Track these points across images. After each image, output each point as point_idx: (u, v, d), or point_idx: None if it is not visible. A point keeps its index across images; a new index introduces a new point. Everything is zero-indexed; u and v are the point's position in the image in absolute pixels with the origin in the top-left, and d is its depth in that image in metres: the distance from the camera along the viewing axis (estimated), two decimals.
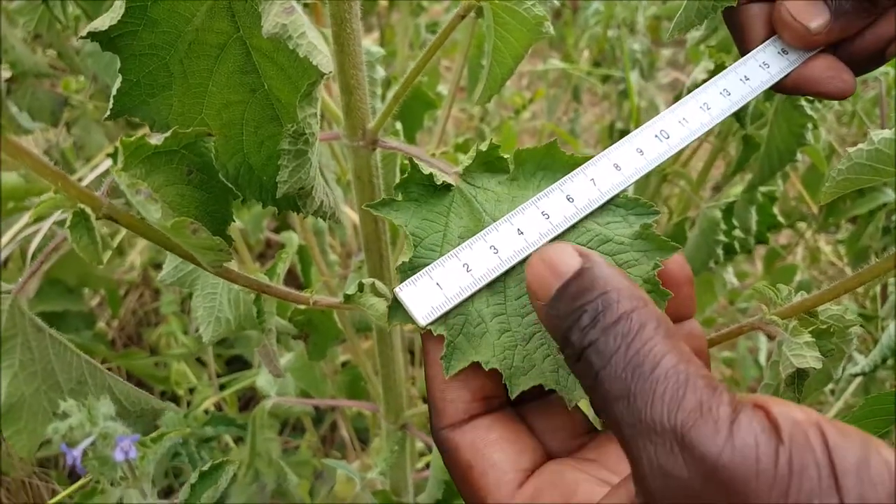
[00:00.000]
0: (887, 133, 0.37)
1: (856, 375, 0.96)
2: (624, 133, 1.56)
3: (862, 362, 0.93)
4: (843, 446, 0.26)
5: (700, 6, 0.45)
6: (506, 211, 0.41)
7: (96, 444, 0.36)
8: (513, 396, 0.37)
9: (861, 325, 1.31)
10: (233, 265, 0.42)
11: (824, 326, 0.43)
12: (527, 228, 0.40)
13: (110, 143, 1.34)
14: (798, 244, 1.73)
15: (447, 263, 0.39)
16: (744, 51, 0.47)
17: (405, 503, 0.90)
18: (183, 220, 0.31)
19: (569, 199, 0.40)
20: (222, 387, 1.33)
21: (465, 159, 0.42)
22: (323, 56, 0.35)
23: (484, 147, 0.42)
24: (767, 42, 0.46)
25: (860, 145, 0.38)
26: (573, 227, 0.40)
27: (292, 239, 1.12)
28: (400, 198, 0.41)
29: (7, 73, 1.32)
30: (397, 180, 0.45)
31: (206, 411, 1.23)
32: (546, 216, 0.40)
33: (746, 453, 0.26)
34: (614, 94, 1.85)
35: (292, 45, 0.34)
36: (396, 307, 0.39)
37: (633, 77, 1.57)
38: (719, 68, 0.75)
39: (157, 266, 1.50)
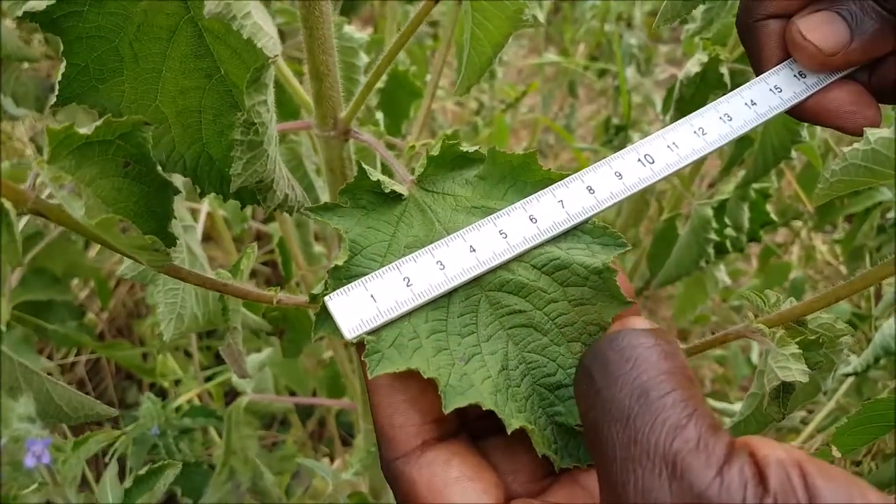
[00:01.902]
0: (885, 132, 0.34)
1: (848, 375, 0.94)
2: (619, 129, 1.54)
3: (854, 362, 0.91)
4: (825, 489, 0.26)
5: None
6: (461, 221, 0.38)
7: (8, 448, 0.34)
8: (446, 411, 0.34)
9: (854, 325, 1.29)
10: (217, 256, 0.39)
11: (813, 337, 0.41)
12: (480, 246, 0.37)
13: None
14: (794, 243, 1.71)
15: (386, 275, 0.36)
16: (758, 72, 0.43)
17: None
18: (110, 218, 0.28)
19: (532, 219, 0.37)
20: (209, 379, 1.31)
21: (419, 167, 0.39)
22: (269, 38, 0.32)
23: (435, 151, 0.39)
24: (784, 64, 0.42)
25: (856, 145, 0.35)
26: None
27: (278, 231, 1.10)
28: (347, 204, 0.38)
29: None
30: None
31: (189, 403, 1.21)
32: (504, 235, 0.37)
33: (733, 492, 0.26)
34: (611, 90, 1.83)
35: (236, 25, 0.32)
36: (324, 316, 0.36)
37: (630, 73, 1.55)
38: (713, 61, 0.73)
39: None
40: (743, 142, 0.91)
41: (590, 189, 0.38)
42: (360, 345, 0.35)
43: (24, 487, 0.35)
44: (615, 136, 1.55)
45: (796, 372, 0.38)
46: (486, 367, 0.35)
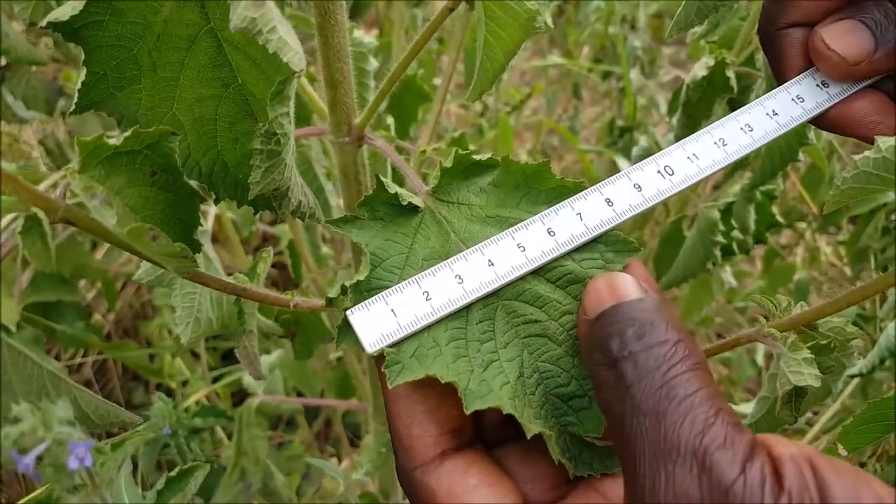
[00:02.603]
0: (894, 141, 0.35)
1: (853, 377, 0.94)
2: (624, 131, 1.55)
3: (860, 364, 0.91)
4: (834, 483, 0.27)
5: (701, 5, 0.42)
6: (476, 233, 0.38)
7: (51, 451, 0.34)
8: (467, 412, 0.34)
9: (859, 327, 1.29)
10: (225, 258, 0.39)
11: (824, 342, 0.41)
12: (498, 260, 0.37)
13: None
14: (798, 244, 1.71)
15: (406, 290, 0.36)
16: (781, 81, 0.42)
17: None
18: (141, 227, 0.29)
19: (550, 232, 0.37)
20: (217, 380, 1.32)
21: (433, 178, 0.40)
22: (294, 53, 0.33)
23: (449, 163, 0.40)
24: (806, 73, 0.41)
25: (866, 153, 0.36)
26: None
27: (286, 233, 1.10)
28: (365, 216, 0.39)
29: (2, 62, 1.30)
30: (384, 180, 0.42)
31: (198, 404, 1.22)
32: (522, 248, 0.37)
33: (755, 488, 0.27)
34: (615, 92, 1.83)
35: (262, 40, 0.32)
36: (346, 329, 0.36)
37: (634, 75, 1.55)
38: (720, 65, 0.73)
39: None
40: None
41: (608, 201, 0.38)
42: (379, 356, 0.36)
43: (65, 489, 0.36)
44: (619, 137, 1.55)
45: (809, 377, 0.38)
46: (504, 373, 0.35)
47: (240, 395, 1.43)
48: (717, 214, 0.91)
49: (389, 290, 0.36)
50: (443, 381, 0.34)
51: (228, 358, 1.50)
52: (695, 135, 0.40)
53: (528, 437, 0.34)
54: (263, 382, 0.96)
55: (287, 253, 1.08)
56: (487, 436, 0.38)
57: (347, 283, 0.36)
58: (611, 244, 0.38)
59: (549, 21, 0.50)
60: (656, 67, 1.74)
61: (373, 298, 0.36)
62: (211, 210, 1.24)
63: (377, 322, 0.35)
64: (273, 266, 1.58)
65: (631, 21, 1.74)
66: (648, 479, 0.29)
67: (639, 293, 0.33)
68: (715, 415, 0.29)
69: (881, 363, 0.89)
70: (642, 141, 0.99)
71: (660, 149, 1.08)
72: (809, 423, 1.15)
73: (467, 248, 0.38)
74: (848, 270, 1.54)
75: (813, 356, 0.39)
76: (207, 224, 1.20)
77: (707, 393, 0.30)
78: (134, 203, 0.34)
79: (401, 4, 1.13)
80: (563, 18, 1.97)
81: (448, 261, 0.37)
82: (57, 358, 1.44)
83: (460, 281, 0.36)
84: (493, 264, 0.37)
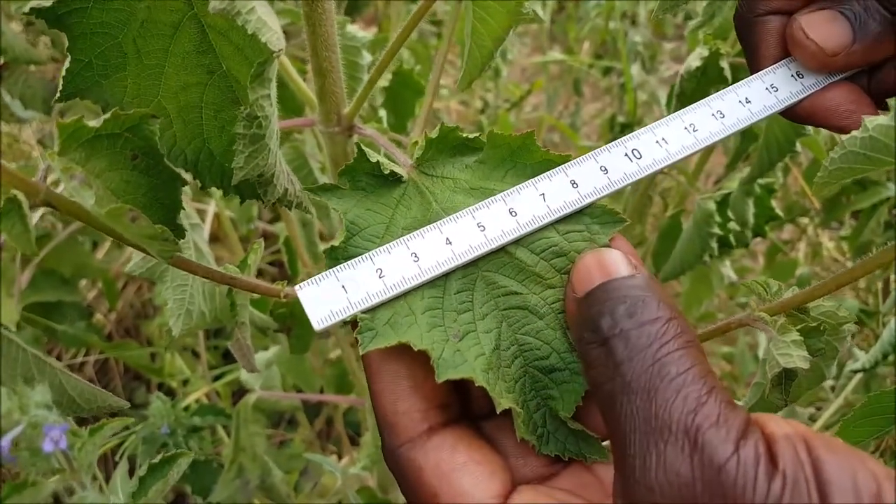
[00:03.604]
0: (882, 119, 0.34)
1: (856, 372, 0.94)
2: (625, 127, 1.54)
3: (862, 358, 0.91)
4: (829, 461, 0.27)
5: None
6: (459, 203, 0.38)
7: (26, 434, 0.34)
8: (439, 381, 0.34)
9: (862, 322, 1.29)
10: (224, 256, 0.39)
11: (814, 324, 0.41)
12: (455, 239, 0.36)
13: None
14: (800, 239, 1.71)
15: (359, 266, 0.35)
16: (755, 70, 0.42)
17: (391, 500, 0.88)
18: (120, 207, 0.29)
19: (511, 212, 0.37)
20: (217, 378, 1.32)
21: (417, 149, 0.39)
22: (273, 33, 0.33)
23: (434, 133, 0.39)
24: (782, 62, 0.41)
25: (853, 133, 0.35)
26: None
27: (284, 231, 1.10)
28: (346, 186, 0.38)
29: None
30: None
31: (198, 402, 1.22)
32: (482, 227, 0.37)
33: (748, 466, 0.27)
34: (615, 87, 1.83)
35: (241, 21, 0.32)
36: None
37: (635, 70, 1.54)
38: (714, 55, 0.73)
39: None
40: (748, 137, 0.91)
41: (573, 183, 0.37)
42: (354, 324, 0.35)
43: (41, 472, 0.36)
44: (620, 133, 1.55)
45: (797, 358, 0.38)
46: (479, 344, 0.35)
47: (240, 394, 1.43)
48: (713, 206, 0.91)
49: (341, 265, 0.35)
50: (415, 349, 0.34)
51: (229, 357, 1.50)
52: (665, 119, 0.40)
53: (498, 412, 0.34)
54: (261, 379, 0.95)
55: (284, 250, 1.08)
56: (477, 406, 0.37)
57: (325, 248, 0.36)
58: (596, 216, 0.37)
59: (541, 11, 0.50)
60: (657, 63, 1.74)
61: (322, 274, 0.35)
62: (210, 208, 1.24)
63: (326, 298, 0.35)
64: (271, 263, 1.58)
65: (631, 17, 1.74)
66: (639, 458, 0.29)
67: (628, 269, 0.33)
68: (708, 393, 0.29)
69: (884, 358, 0.88)
70: None
71: None
72: (812, 419, 1.15)
73: (435, 205, 0.37)
74: (850, 265, 1.54)
75: (802, 338, 0.39)
76: (206, 222, 1.20)
77: (699, 370, 0.30)
78: (115, 187, 0.34)
79: (399, 1, 1.13)
80: (564, 14, 1.97)
81: (404, 238, 0.36)
82: (58, 358, 1.44)
83: (416, 259, 0.36)
84: (450, 243, 0.36)
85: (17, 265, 1.24)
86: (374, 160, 0.38)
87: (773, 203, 1.00)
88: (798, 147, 0.82)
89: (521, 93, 1.73)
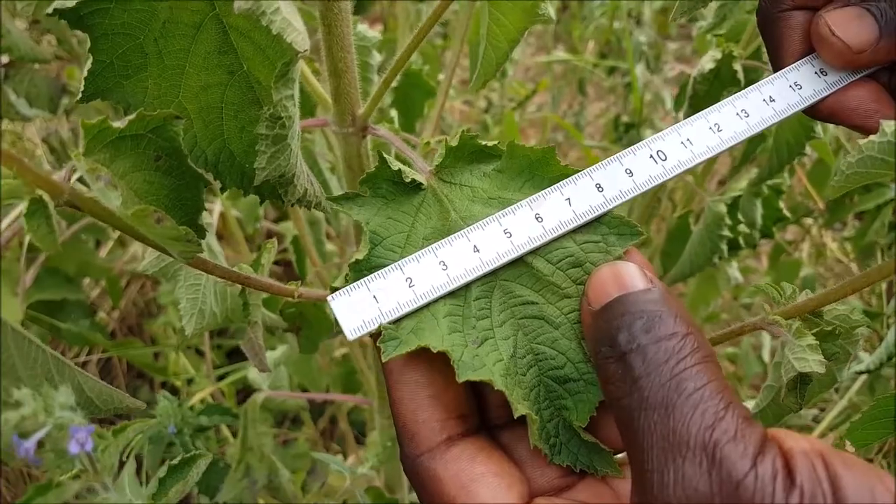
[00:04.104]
0: None
1: (860, 373, 0.94)
2: (629, 126, 1.54)
3: (867, 360, 0.91)
4: (846, 476, 0.27)
5: None
6: (478, 213, 0.38)
7: (51, 435, 0.34)
8: (459, 381, 0.34)
9: (867, 325, 1.29)
10: (230, 255, 0.39)
11: (829, 328, 0.41)
12: (483, 246, 0.36)
13: None
14: (804, 240, 1.71)
15: (389, 276, 0.36)
16: (777, 67, 0.41)
17: (398, 500, 0.88)
18: (145, 209, 0.29)
19: (538, 218, 0.37)
20: (221, 378, 1.32)
21: (437, 157, 0.39)
22: (298, 33, 0.33)
23: (454, 142, 0.39)
24: (804, 59, 0.40)
25: (871, 137, 0.35)
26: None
27: (290, 230, 1.10)
28: (367, 194, 0.38)
29: (5, 59, 1.30)
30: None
31: (203, 402, 1.22)
32: (508, 234, 0.37)
33: (766, 482, 0.27)
34: (620, 87, 1.83)
35: (265, 21, 0.32)
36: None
37: (639, 70, 1.55)
38: (727, 58, 0.73)
39: None
40: (755, 138, 0.91)
41: (598, 186, 0.37)
42: (377, 336, 0.35)
43: (66, 474, 0.36)
44: (625, 133, 1.55)
45: (813, 363, 0.38)
46: (498, 350, 0.35)
47: (244, 393, 1.43)
48: (723, 209, 0.91)
49: (372, 275, 0.36)
50: (435, 351, 0.34)
51: (233, 356, 1.50)
52: (689, 119, 0.39)
53: (515, 417, 0.34)
54: (269, 378, 0.96)
55: (291, 249, 1.08)
56: (495, 415, 0.38)
57: (350, 261, 0.36)
58: (614, 226, 0.37)
59: (552, 13, 0.50)
60: (662, 63, 1.74)
61: (354, 283, 0.35)
62: (215, 207, 1.24)
63: (358, 308, 0.35)
64: (277, 263, 1.58)
65: (636, 16, 1.74)
66: (657, 473, 0.29)
67: (645, 283, 0.33)
68: (725, 408, 0.29)
69: (888, 360, 0.88)
70: (648, 136, 0.99)
71: None
72: (816, 420, 1.15)
73: (467, 227, 0.37)
74: (854, 266, 1.54)
75: (817, 342, 0.39)
76: (212, 221, 1.20)
77: (717, 386, 0.30)
78: (138, 187, 0.35)
79: (405, 1, 1.13)
80: (568, 14, 1.97)
81: (432, 246, 0.37)
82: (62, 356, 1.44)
83: (444, 267, 0.36)
84: (478, 250, 0.36)
85: (21, 264, 1.25)
86: (395, 168, 0.38)
87: (781, 204, 1.00)
88: (807, 150, 0.82)
89: (526, 92, 1.73)
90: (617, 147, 1.48)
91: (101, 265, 1.38)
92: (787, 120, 0.41)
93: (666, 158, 0.38)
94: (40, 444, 0.34)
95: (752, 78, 0.78)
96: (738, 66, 0.73)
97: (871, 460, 1.10)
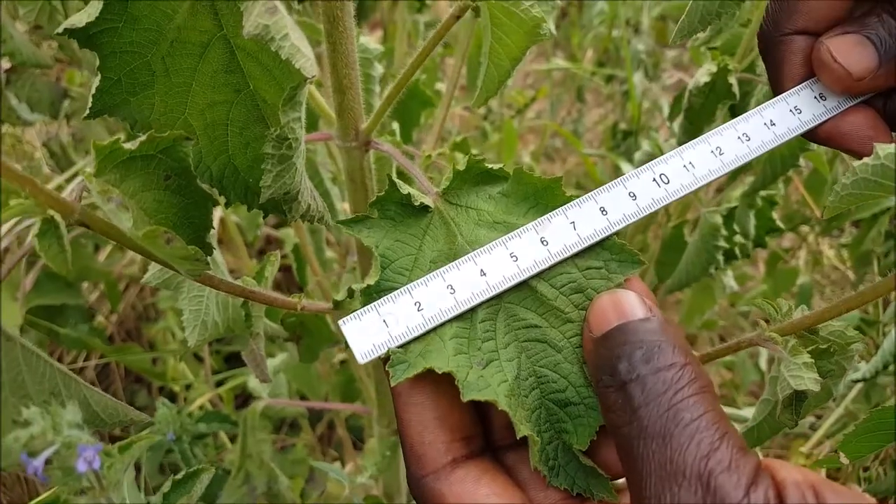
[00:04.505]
0: (893, 148, 0.35)
1: (857, 381, 0.95)
2: (627, 134, 1.55)
3: (863, 369, 0.92)
4: None
5: (703, 10, 0.43)
6: (483, 237, 0.39)
7: (60, 454, 0.35)
8: (464, 400, 0.35)
9: (862, 331, 1.29)
10: (229, 261, 0.40)
11: (824, 346, 0.42)
12: (490, 270, 0.37)
13: (110, 136, 1.33)
14: (801, 247, 1.72)
15: (398, 300, 0.36)
16: (777, 89, 0.42)
17: None
18: (156, 230, 0.30)
19: (543, 241, 0.38)
20: (220, 384, 1.32)
21: (444, 180, 0.40)
22: (306, 59, 0.34)
23: (461, 166, 0.40)
24: (805, 84, 0.41)
25: (866, 160, 0.36)
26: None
27: (290, 236, 1.11)
28: (376, 215, 0.39)
29: (6, 64, 1.30)
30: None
31: (201, 408, 1.22)
32: (514, 258, 0.37)
33: None
34: (618, 95, 1.84)
35: (274, 46, 0.33)
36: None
37: (637, 78, 1.55)
38: (722, 71, 0.74)
39: None
40: None
41: (603, 210, 0.38)
42: (385, 360, 0.36)
43: (73, 491, 0.37)
44: (623, 141, 1.56)
45: (808, 381, 0.39)
46: (503, 371, 0.36)
47: (242, 398, 1.43)
48: (719, 220, 0.92)
49: (381, 299, 0.36)
50: (440, 372, 0.34)
51: (231, 361, 1.51)
52: (692, 142, 0.40)
53: (518, 438, 0.35)
54: (268, 386, 0.96)
55: (292, 257, 1.08)
56: (499, 436, 0.38)
57: (356, 287, 0.37)
58: (616, 252, 0.38)
59: (553, 28, 0.51)
60: (660, 70, 1.75)
61: (364, 308, 0.36)
62: (216, 213, 1.24)
63: (368, 332, 0.36)
64: (278, 269, 1.58)
65: (634, 24, 1.75)
66: (654, 499, 0.30)
67: (644, 312, 0.34)
68: (720, 438, 0.30)
69: (884, 368, 0.89)
70: (645, 146, 1.00)
71: (662, 153, 1.08)
72: (813, 428, 1.15)
73: (473, 251, 0.38)
74: (851, 274, 1.55)
75: (813, 360, 0.40)
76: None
77: (713, 417, 0.31)
78: (147, 206, 0.35)
79: (404, 7, 1.14)
80: (567, 22, 1.98)
81: (440, 269, 0.37)
82: (60, 360, 1.44)
83: (452, 291, 0.37)
84: (484, 274, 0.37)
85: (21, 268, 1.25)
86: (404, 192, 0.39)
87: (774, 215, 1.00)
88: (801, 161, 0.83)
89: (525, 99, 1.74)
90: (615, 154, 1.48)
91: (99, 269, 1.38)
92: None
93: (669, 182, 0.39)
94: (48, 461, 0.35)
95: (746, 91, 0.79)
96: (733, 80, 0.74)
97: (867, 468, 1.11)
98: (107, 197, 0.31)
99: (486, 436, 0.38)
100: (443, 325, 0.36)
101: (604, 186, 0.39)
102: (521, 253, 0.37)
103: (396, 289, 0.37)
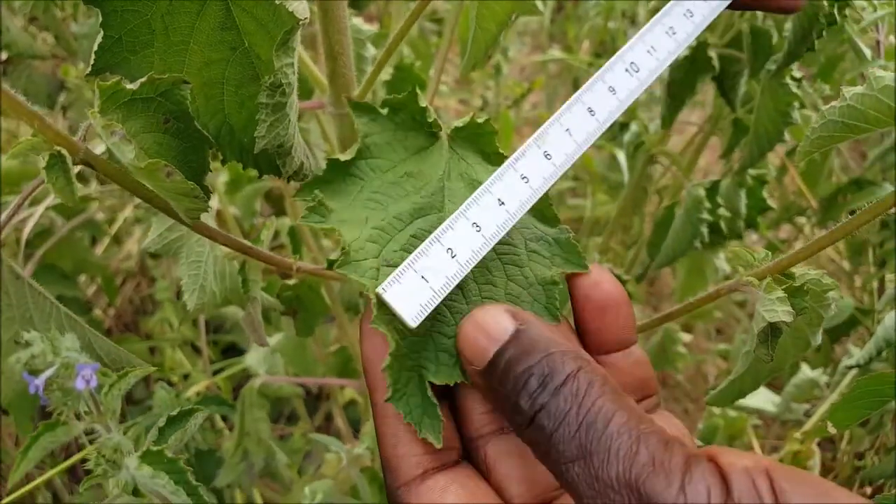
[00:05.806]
0: (859, 88, 0.37)
1: (851, 368, 0.96)
2: (624, 125, 1.57)
3: (857, 355, 0.92)
4: (793, 492, 0.27)
5: None
6: (481, 172, 0.39)
7: (59, 375, 0.36)
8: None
9: (857, 320, 1.30)
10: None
11: (798, 284, 0.43)
12: (507, 198, 0.36)
13: None
14: (797, 239, 1.73)
15: (430, 251, 0.35)
16: None
17: None
18: (157, 162, 0.31)
19: (546, 155, 0.37)
20: (217, 374, 1.33)
21: (456, 124, 0.40)
22: (299, 2, 0.35)
23: (461, 123, 0.40)
24: None
25: (833, 103, 0.38)
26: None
27: (286, 226, 1.12)
28: (385, 112, 0.39)
29: (4, 56, 1.31)
30: None
31: (198, 394, 1.24)
32: (525, 180, 0.36)
33: (699, 501, 0.27)
34: None
35: None
36: (380, 309, 0.34)
37: None
38: (702, 45, 0.75)
39: (154, 256, 1.50)
40: (739, 130, 0.94)
41: (590, 111, 0.38)
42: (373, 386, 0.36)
43: (74, 414, 0.38)
44: (619, 132, 1.57)
45: (781, 313, 0.40)
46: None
47: (239, 389, 1.44)
48: (702, 192, 0.93)
49: (414, 255, 0.35)
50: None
51: (228, 352, 1.52)
52: (645, 27, 0.40)
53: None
54: (265, 365, 0.97)
55: (288, 239, 1.10)
56: (478, 425, 0.38)
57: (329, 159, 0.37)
58: (567, 250, 0.38)
59: (540, 4, 0.52)
60: None
61: (400, 268, 0.35)
62: (213, 203, 1.25)
63: (412, 293, 0.34)
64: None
65: (631, 16, 1.76)
66: None
67: (511, 323, 0.33)
68: (636, 441, 0.29)
69: (878, 354, 0.90)
70: (633, 126, 1.01)
71: (649, 133, 1.09)
72: (808, 415, 1.16)
73: (464, 175, 0.38)
74: (846, 265, 1.56)
75: (786, 296, 0.41)
76: (210, 219, 1.21)
77: (622, 418, 0.30)
78: (149, 148, 0.37)
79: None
80: (563, 14, 1.99)
81: (461, 208, 0.36)
82: None
83: (478, 228, 0.35)
84: (503, 203, 0.36)
85: (19, 260, 1.26)
86: (423, 104, 0.39)
87: (765, 194, 1.02)
88: (786, 136, 0.84)
89: (522, 91, 1.75)
90: (611, 145, 1.49)
91: (96, 262, 1.39)
92: (761, 107, 0.42)
93: (638, 70, 0.38)
94: (48, 383, 0.36)
95: (726, 66, 0.80)
96: (712, 53, 0.75)
97: (862, 455, 1.12)
98: (110, 131, 0.33)
99: (466, 433, 0.38)
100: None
101: (584, 87, 0.38)
102: (530, 173, 0.37)
103: (360, 182, 0.37)
